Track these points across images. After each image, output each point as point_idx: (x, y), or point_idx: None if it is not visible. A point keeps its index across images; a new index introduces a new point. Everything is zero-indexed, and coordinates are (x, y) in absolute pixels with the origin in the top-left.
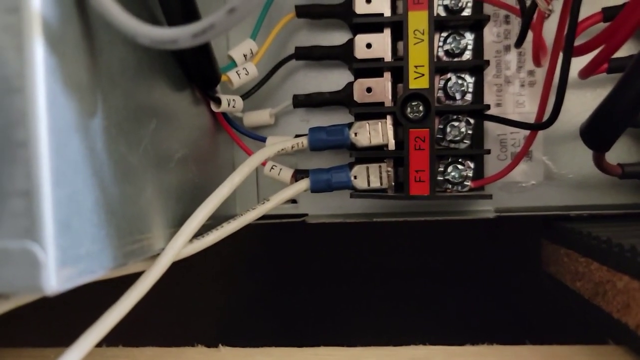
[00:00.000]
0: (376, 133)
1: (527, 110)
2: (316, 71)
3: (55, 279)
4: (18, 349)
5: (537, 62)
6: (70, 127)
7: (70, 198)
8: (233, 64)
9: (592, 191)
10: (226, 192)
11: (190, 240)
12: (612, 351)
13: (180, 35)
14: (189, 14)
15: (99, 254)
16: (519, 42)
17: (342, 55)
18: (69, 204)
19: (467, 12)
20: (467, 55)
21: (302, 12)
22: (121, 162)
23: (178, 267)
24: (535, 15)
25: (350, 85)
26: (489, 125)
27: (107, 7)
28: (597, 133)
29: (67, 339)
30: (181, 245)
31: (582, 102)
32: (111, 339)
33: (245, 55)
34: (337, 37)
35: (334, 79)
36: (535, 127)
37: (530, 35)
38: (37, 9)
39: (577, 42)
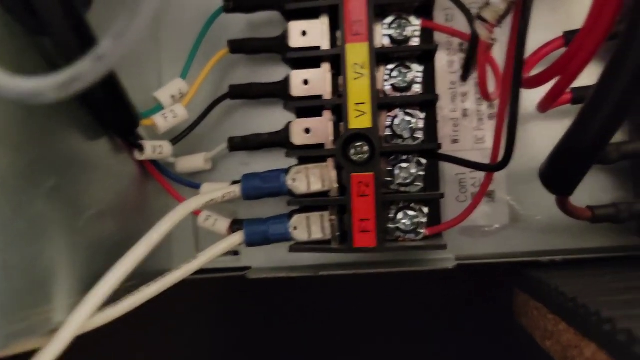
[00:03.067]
0: (316, 179)
1: (488, 146)
2: (256, 110)
3: None
4: None
5: (485, 96)
6: None
7: None
8: (159, 106)
9: (563, 234)
10: (142, 253)
11: (102, 308)
12: None
13: (44, 87)
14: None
15: None
16: (465, 76)
17: (280, 92)
18: None
19: (414, 42)
20: (417, 88)
21: (235, 47)
22: (3, 229)
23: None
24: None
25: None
26: (446, 164)
27: None
28: (558, 175)
29: None
30: (85, 318)
31: (548, 135)
32: None
33: (173, 97)
34: (279, 72)
35: (275, 118)
36: (488, 169)
37: None
38: None
39: (536, 71)
